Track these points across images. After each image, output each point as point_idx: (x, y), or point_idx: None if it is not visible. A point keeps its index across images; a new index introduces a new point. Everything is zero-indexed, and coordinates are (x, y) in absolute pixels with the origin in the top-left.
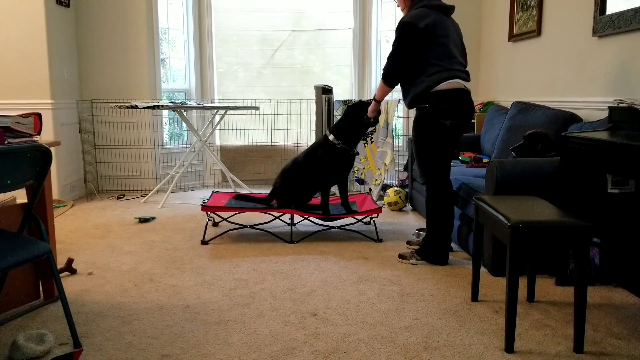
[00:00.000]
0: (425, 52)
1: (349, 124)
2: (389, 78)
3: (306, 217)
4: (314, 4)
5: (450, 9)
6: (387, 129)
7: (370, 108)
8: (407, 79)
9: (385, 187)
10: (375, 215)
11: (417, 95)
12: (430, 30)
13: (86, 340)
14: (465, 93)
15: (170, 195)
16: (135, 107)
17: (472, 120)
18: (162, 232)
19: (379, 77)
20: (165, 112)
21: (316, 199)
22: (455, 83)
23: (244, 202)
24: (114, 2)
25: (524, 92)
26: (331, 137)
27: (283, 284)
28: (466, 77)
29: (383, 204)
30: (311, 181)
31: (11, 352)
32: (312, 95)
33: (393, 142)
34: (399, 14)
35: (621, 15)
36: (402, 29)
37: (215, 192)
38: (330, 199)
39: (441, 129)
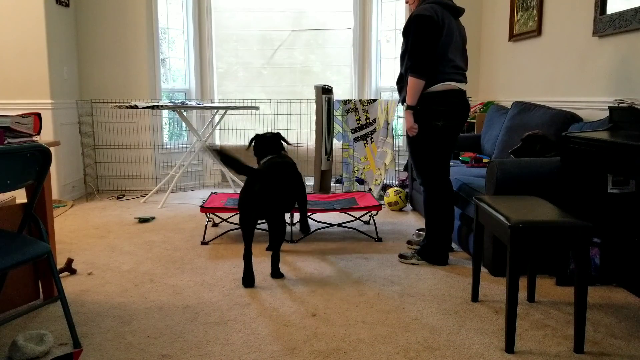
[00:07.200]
0: None
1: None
2: (418, 70)
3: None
4: (314, 4)
5: (461, 11)
6: (387, 129)
7: (407, 120)
8: (404, 77)
9: (385, 187)
10: (374, 212)
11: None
12: (441, 28)
13: (86, 340)
14: (459, 93)
15: (170, 195)
16: (135, 107)
17: (470, 120)
18: (162, 232)
19: (379, 77)
20: (165, 112)
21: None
22: (447, 85)
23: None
24: (114, 2)
25: (524, 92)
26: None
27: (283, 284)
28: (462, 79)
29: (383, 204)
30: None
31: (11, 352)
32: (312, 95)
33: (393, 142)
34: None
35: (621, 15)
36: (420, 22)
37: (214, 193)
38: (332, 195)
39: (433, 130)
